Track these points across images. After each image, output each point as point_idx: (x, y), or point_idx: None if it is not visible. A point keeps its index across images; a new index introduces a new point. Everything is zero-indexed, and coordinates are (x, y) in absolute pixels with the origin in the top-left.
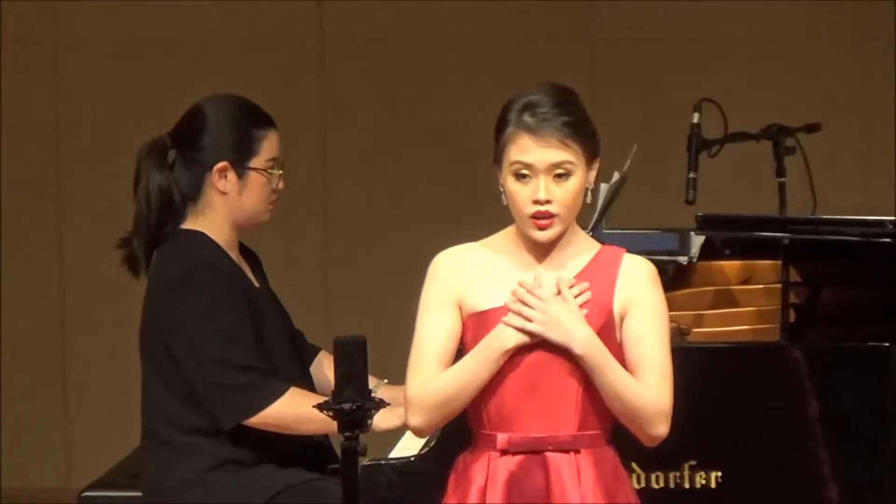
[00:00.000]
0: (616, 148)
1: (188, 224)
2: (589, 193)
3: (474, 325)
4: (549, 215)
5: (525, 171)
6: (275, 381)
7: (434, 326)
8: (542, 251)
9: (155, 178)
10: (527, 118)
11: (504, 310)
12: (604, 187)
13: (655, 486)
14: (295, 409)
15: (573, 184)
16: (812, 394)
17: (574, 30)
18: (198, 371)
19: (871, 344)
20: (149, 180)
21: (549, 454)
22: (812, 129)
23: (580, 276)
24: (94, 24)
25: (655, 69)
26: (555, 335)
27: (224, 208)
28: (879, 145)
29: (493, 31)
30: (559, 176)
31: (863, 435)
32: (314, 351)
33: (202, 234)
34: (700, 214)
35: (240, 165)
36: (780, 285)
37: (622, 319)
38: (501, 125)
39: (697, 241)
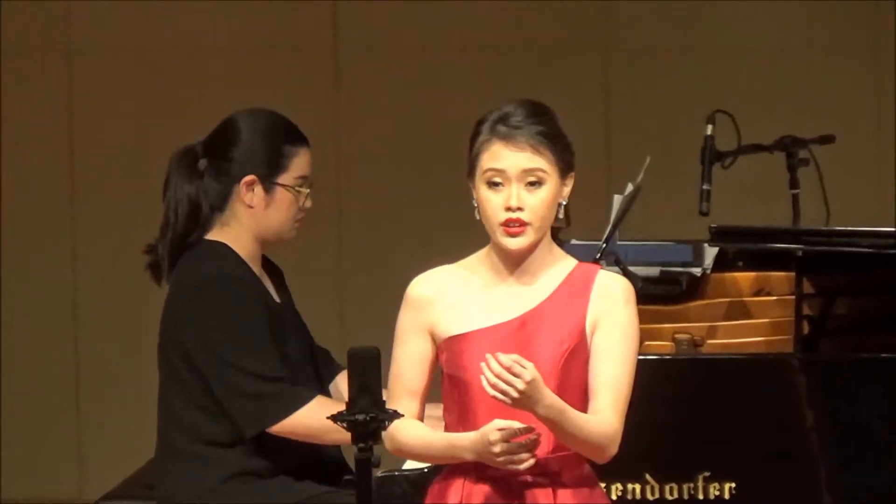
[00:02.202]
0: (629, 159)
1: (213, 235)
2: (562, 209)
3: (448, 349)
4: (521, 223)
5: (497, 179)
6: (301, 389)
7: (404, 357)
8: (516, 270)
9: (184, 187)
10: (500, 127)
11: (476, 334)
12: (617, 198)
13: (669, 498)
14: (321, 418)
15: (545, 193)
16: (825, 405)
17: (588, 39)
18: (221, 380)
19: (885, 355)
20: (178, 188)
21: (524, 477)
22: (826, 140)
23: (554, 295)
24: (107, 32)
25: (669, 80)
26: (521, 407)
27: (249, 221)
28: (893, 157)
29: (507, 39)
30: (531, 184)
31: (877, 446)
32: (338, 369)
33: (225, 245)
34: (714, 226)
35: (267, 180)
36: (793, 297)
37: (592, 336)
38: (474, 137)
39: (711, 252)
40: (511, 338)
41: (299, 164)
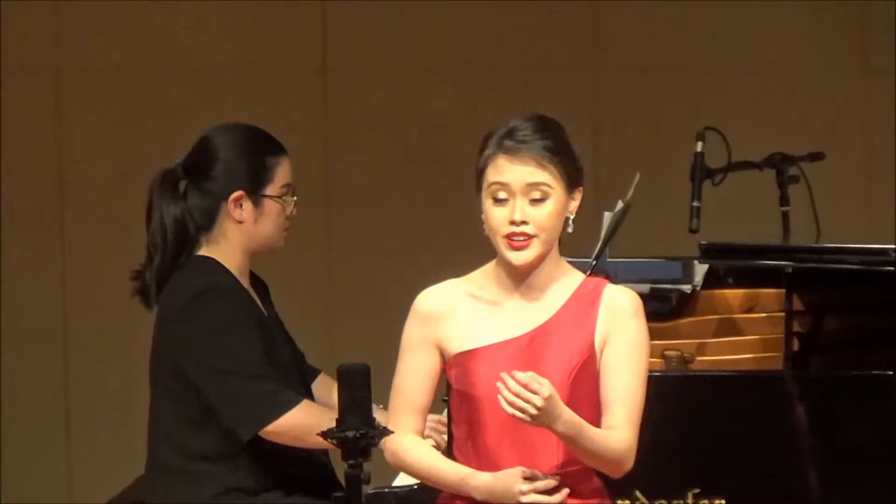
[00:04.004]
0: (619, 177)
1: (201, 252)
2: (570, 224)
3: (457, 365)
4: (527, 235)
5: (502, 193)
6: (288, 392)
7: (409, 371)
8: (523, 285)
9: (170, 210)
10: (506, 142)
11: (486, 350)
12: (607, 216)
13: None
14: (310, 419)
15: (550, 207)
16: (815, 422)
17: (577, 59)
18: (212, 386)
19: (874, 372)
20: (163, 212)
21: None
22: (815, 157)
23: (562, 311)
24: (96, 52)
25: (659, 98)
26: (539, 424)
27: (239, 237)
28: (882, 174)
29: (496, 61)
30: (536, 200)
31: (866, 463)
32: (314, 373)
33: (214, 260)
34: (703, 243)
35: (255, 194)
36: (783, 314)
37: (601, 351)
38: (481, 151)
39: (701, 269)
40: (520, 354)
41: (282, 173)
